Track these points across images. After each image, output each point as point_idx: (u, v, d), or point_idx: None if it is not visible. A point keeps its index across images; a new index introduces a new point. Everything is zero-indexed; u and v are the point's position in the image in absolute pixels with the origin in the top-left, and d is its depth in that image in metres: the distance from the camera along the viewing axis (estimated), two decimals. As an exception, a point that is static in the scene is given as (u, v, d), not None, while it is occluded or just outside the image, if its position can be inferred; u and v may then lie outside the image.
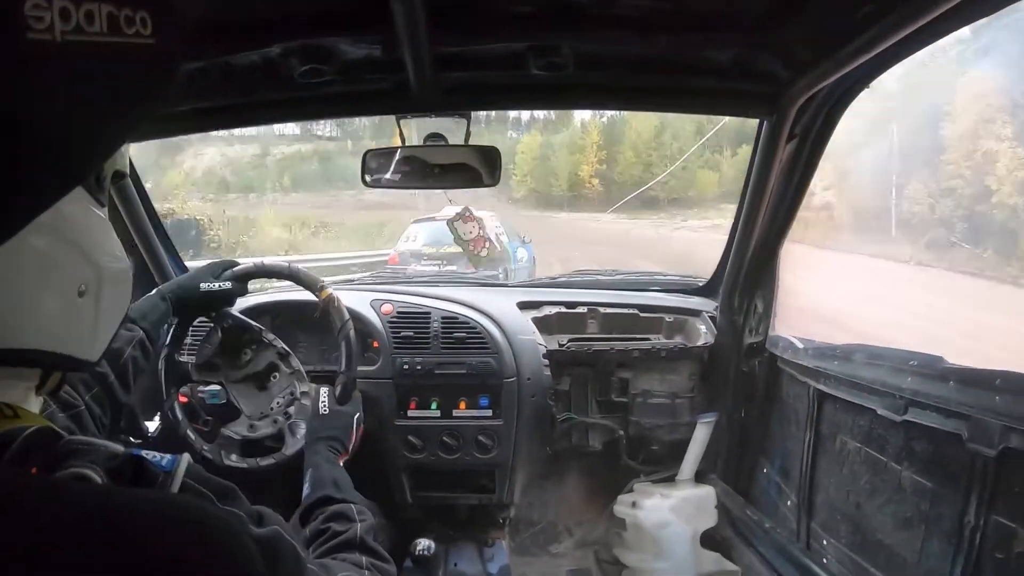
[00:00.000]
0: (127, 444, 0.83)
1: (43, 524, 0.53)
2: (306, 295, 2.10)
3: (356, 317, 2.27)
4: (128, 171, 0.92)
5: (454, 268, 10.58)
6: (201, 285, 1.91)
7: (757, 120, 2.11)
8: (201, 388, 2.09)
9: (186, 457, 0.80)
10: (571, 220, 31.11)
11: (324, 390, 1.91)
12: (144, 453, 0.77)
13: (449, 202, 2.67)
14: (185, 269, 2.77)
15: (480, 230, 2.25)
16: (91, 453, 0.71)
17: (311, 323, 2.32)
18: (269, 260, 2.18)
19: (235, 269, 2.00)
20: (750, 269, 2.44)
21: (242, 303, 2.32)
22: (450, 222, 2.27)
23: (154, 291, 1.87)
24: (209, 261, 2.05)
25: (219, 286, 1.93)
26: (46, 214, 0.71)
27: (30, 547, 0.51)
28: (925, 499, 1.55)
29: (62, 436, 0.74)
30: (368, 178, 2.09)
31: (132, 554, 0.54)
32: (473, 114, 2.05)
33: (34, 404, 0.82)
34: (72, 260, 0.80)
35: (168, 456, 0.79)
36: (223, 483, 0.83)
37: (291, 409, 2.01)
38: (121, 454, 0.75)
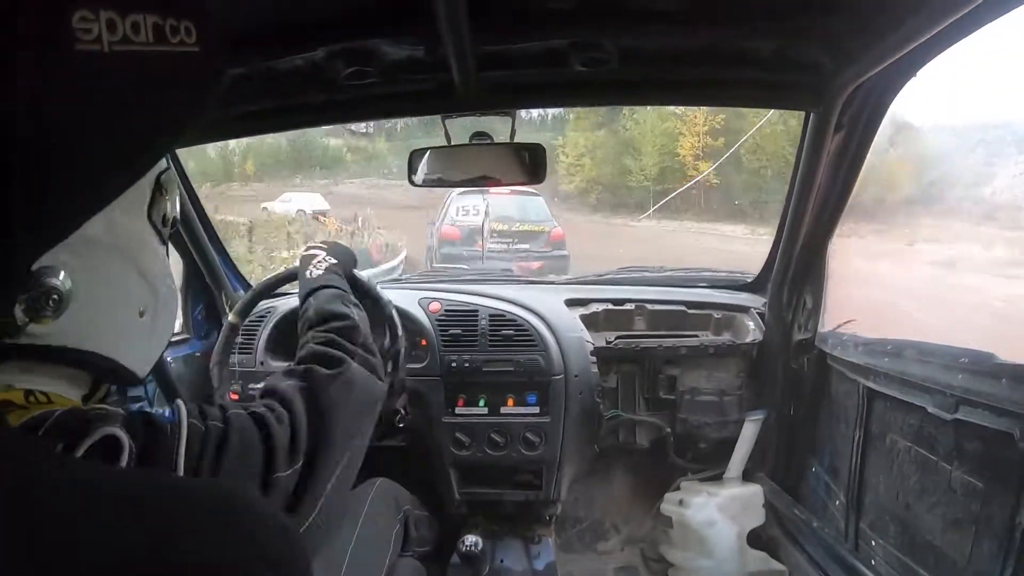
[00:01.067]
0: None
1: (59, 507, 0.54)
2: None
3: (404, 315, 2.30)
4: (177, 216, 1.00)
5: (527, 247, 10.75)
6: None
7: (803, 112, 2.07)
8: (253, 386, 2.15)
9: (182, 406, 0.90)
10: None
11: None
12: (147, 409, 0.85)
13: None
14: (237, 271, 2.83)
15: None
16: (111, 417, 0.79)
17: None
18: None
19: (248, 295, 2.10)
20: (799, 264, 2.41)
21: (288, 304, 2.38)
22: None
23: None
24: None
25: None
26: (121, 242, 0.85)
27: (41, 528, 0.53)
28: (976, 500, 1.51)
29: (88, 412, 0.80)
30: (414, 177, 2.10)
31: (145, 536, 0.56)
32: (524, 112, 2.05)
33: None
34: (138, 284, 0.90)
35: (168, 409, 0.90)
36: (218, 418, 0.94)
37: None
38: (130, 413, 0.83)
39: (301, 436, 1.04)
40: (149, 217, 0.92)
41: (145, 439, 0.81)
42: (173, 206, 0.97)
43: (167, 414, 0.88)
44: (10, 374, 0.79)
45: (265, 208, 22.64)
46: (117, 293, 0.87)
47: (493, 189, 11.12)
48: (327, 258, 1.66)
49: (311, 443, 1.05)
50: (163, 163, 0.94)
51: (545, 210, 12.44)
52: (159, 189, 0.93)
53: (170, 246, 1.03)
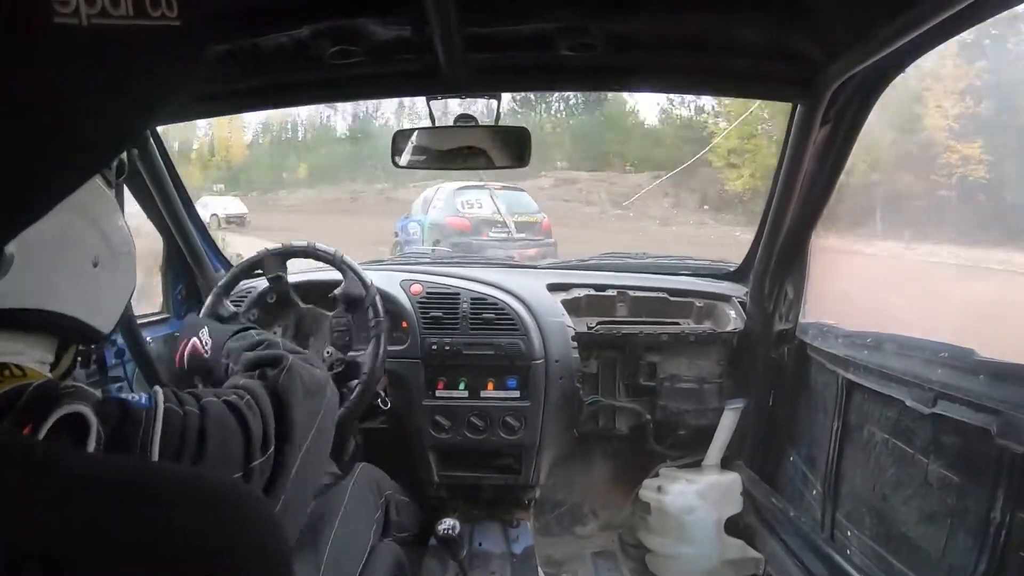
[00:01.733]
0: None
1: (24, 494, 0.54)
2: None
3: (385, 297, 2.29)
4: (128, 167, 0.97)
5: (524, 236, 11.31)
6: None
7: (790, 104, 2.07)
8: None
9: (160, 392, 0.87)
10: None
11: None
12: (123, 395, 0.82)
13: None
14: (218, 252, 2.81)
15: None
16: (82, 394, 0.77)
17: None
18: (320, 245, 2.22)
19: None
20: (781, 255, 2.41)
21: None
22: None
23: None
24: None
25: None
26: None
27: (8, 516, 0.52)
28: (951, 494, 1.53)
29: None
30: (398, 159, 2.09)
31: (111, 523, 0.55)
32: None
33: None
34: (88, 234, 0.87)
35: (144, 395, 0.86)
36: (197, 408, 0.92)
37: None
38: (105, 398, 0.81)
39: (271, 425, 1.04)
40: None
41: (117, 424, 0.79)
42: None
43: (143, 400, 0.85)
44: None
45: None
46: (68, 245, 0.84)
47: (489, 183, 11.76)
48: (200, 336, 1.66)
49: (278, 430, 1.05)
50: None
51: (533, 203, 12.95)
52: None
53: (151, 226, 1.00)
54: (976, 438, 1.43)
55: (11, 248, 0.74)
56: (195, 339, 1.67)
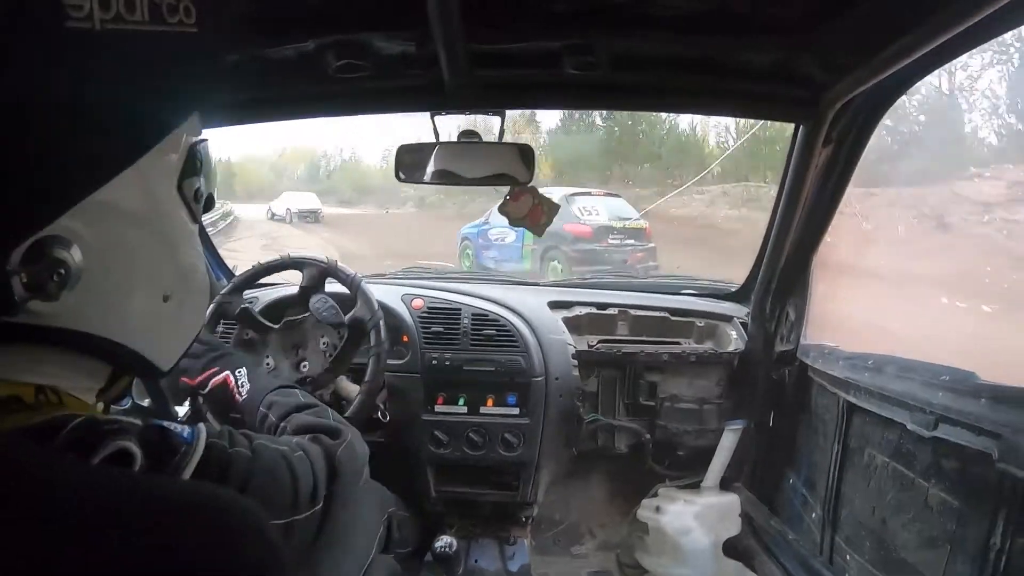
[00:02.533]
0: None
1: (79, 510, 0.54)
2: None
3: (386, 311, 2.28)
4: (212, 194, 0.94)
5: (633, 242, 11.55)
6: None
7: (793, 125, 2.08)
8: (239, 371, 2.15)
9: (204, 430, 0.84)
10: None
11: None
12: (165, 423, 0.80)
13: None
14: (220, 261, 2.81)
15: (534, 199, 2.24)
16: (126, 430, 0.73)
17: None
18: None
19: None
20: (783, 276, 2.41)
21: (270, 292, 2.37)
22: (502, 208, 2.27)
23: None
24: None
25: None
26: (149, 213, 0.78)
27: (66, 531, 0.52)
28: (951, 518, 1.52)
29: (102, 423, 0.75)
30: (402, 174, 2.09)
31: (156, 540, 0.55)
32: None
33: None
34: (164, 263, 0.83)
35: (188, 428, 0.83)
36: (240, 454, 0.89)
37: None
38: (147, 425, 0.77)
39: (321, 486, 1.03)
40: (179, 188, 0.84)
41: (156, 451, 0.76)
42: (208, 182, 0.90)
43: (185, 433, 0.82)
44: (15, 361, 0.73)
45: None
46: (139, 272, 0.79)
47: (593, 190, 12.29)
48: (237, 374, 1.65)
49: (327, 494, 1.05)
50: (197, 132, 0.88)
51: (632, 208, 12.90)
52: (192, 159, 0.86)
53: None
54: (977, 462, 1.42)
55: (79, 259, 0.70)
56: (230, 375, 1.65)
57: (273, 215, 23.60)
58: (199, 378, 1.70)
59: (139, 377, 0.94)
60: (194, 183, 0.87)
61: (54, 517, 0.54)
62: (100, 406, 0.85)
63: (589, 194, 12.05)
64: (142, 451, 0.73)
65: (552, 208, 2.25)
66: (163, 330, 0.85)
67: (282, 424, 1.35)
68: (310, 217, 22.71)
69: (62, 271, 0.68)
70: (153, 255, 0.81)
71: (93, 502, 0.56)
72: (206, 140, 0.89)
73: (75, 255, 0.69)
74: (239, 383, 1.61)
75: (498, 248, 12.42)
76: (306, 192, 26.78)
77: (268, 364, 2.12)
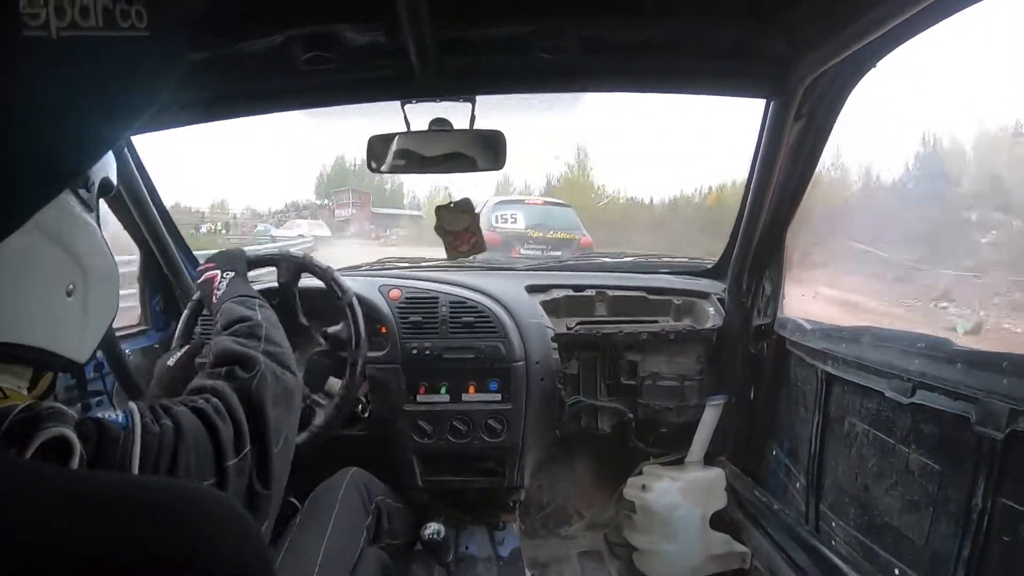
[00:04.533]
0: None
1: (17, 508, 0.53)
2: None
3: (364, 303, 2.27)
4: (116, 183, 0.93)
5: (558, 254, 10.68)
6: (167, 364, 1.79)
7: (764, 100, 2.08)
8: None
9: (136, 410, 0.86)
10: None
11: None
12: (99, 414, 0.81)
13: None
14: (196, 262, 2.78)
15: (470, 224, 2.24)
16: (62, 416, 0.74)
17: (313, 307, 2.29)
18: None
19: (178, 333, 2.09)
20: (758, 251, 2.43)
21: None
22: (439, 208, 2.26)
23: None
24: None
25: (177, 355, 1.87)
26: (40, 216, 0.75)
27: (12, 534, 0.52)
28: (932, 482, 1.54)
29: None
30: (373, 163, 2.08)
31: (99, 536, 0.55)
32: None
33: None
34: (60, 260, 0.82)
35: (121, 412, 0.84)
36: (175, 424, 0.91)
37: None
38: (83, 418, 0.79)
39: (243, 425, 1.03)
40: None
41: (97, 444, 0.78)
42: (101, 166, 0.91)
43: (120, 418, 0.83)
44: None
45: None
46: (36, 274, 0.79)
47: (528, 198, 11.80)
48: (224, 275, 1.70)
49: (253, 430, 1.05)
50: None
51: (575, 219, 12.55)
52: None
53: (128, 236, 0.97)
54: (955, 426, 1.45)
55: None
56: (218, 273, 1.71)
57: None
58: (200, 268, 1.81)
59: (59, 371, 0.93)
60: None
61: None
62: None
63: (522, 202, 11.77)
64: (81, 442, 0.74)
65: (477, 246, 2.27)
66: (71, 325, 0.86)
67: (212, 343, 1.34)
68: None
69: None
70: (48, 254, 0.81)
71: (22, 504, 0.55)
72: None
73: None
74: (219, 284, 1.67)
75: None
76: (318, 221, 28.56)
77: None
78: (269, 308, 1.50)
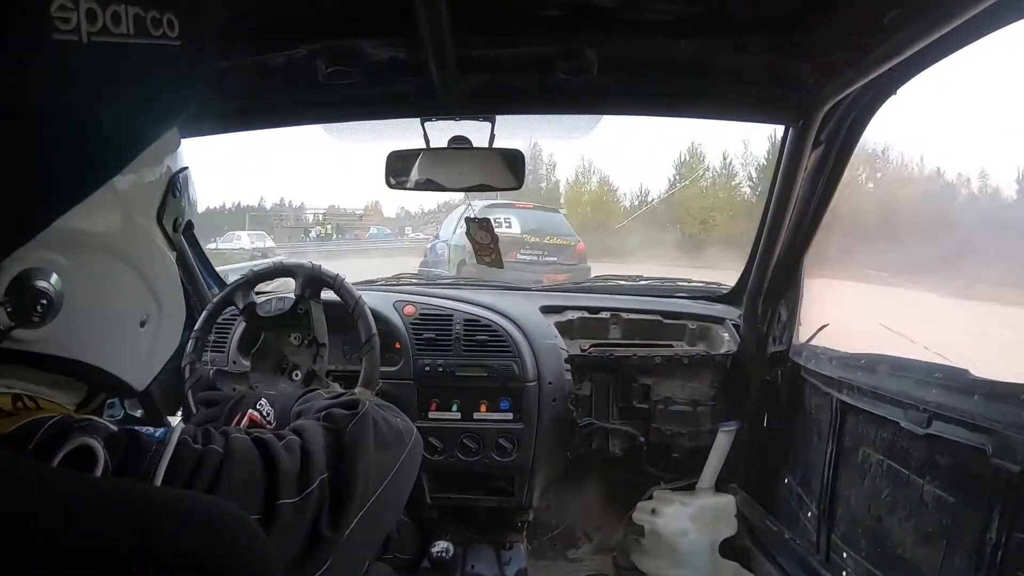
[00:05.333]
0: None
1: (32, 515, 0.53)
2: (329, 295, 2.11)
3: (378, 318, 2.27)
4: (191, 220, 0.95)
5: (554, 259, 10.95)
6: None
7: (783, 127, 2.08)
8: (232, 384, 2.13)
9: (179, 428, 0.83)
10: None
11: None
12: (138, 428, 0.80)
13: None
14: (212, 270, 2.80)
15: (491, 241, 2.27)
16: (94, 427, 0.74)
17: (333, 323, 2.29)
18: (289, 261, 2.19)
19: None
20: (774, 277, 2.42)
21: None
22: (468, 220, 2.28)
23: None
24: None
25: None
26: (126, 243, 0.78)
27: (28, 537, 0.52)
28: (947, 514, 1.52)
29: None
30: (392, 180, 2.09)
31: (99, 542, 0.55)
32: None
33: None
34: (141, 291, 0.85)
35: (161, 428, 0.82)
36: (213, 451, 0.85)
37: None
38: (119, 430, 0.77)
39: (316, 466, 0.97)
40: (159, 219, 0.87)
41: (124, 455, 0.77)
42: (187, 208, 0.92)
43: (157, 433, 0.81)
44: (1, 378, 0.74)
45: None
46: (117, 300, 0.82)
47: (517, 202, 11.50)
48: (261, 407, 1.58)
49: (335, 480, 0.99)
50: (179, 161, 0.89)
51: (567, 225, 12.56)
52: (172, 189, 0.88)
53: None
54: (971, 458, 1.43)
55: (60, 288, 0.72)
56: (253, 412, 1.57)
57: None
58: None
59: (114, 396, 0.94)
60: (174, 212, 0.89)
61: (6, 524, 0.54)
62: None
63: (512, 206, 11.54)
64: (107, 451, 0.73)
65: (496, 263, 2.28)
66: (139, 354, 0.87)
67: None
68: (260, 254, 23.18)
69: (44, 301, 0.70)
70: (130, 283, 0.83)
71: (42, 508, 0.55)
72: (187, 168, 0.91)
73: (56, 284, 0.71)
74: (264, 414, 1.56)
75: (437, 263, 12.00)
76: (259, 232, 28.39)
77: (296, 376, 2.08)
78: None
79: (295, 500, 0.91)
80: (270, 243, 25.44)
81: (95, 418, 0.77)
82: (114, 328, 0.82)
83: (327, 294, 2.11)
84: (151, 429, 0.82)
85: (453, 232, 11.86)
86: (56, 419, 0.73)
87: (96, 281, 0.77)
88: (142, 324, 0.86)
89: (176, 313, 0.94)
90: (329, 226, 33.73)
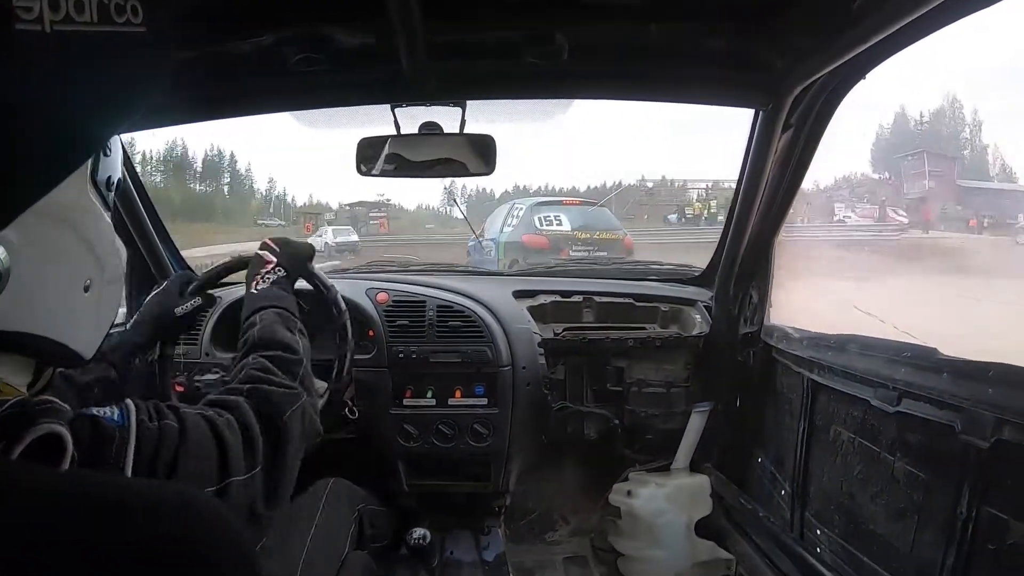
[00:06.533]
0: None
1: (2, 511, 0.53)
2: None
3: (351, 306, 2.26)
4: (121, 178, 0.96)
5: (604, 254, 10.74)
6: (176, 310, 1.81)
7: (752, 110, 2.09)
8: (198, 377, 2.11)
9: (132, 408, 0.86)
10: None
11: None
12: (95, 410, 0.82)
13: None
14: (183, 261, 2.77)
15: None
16: (56, 412, 0.75)
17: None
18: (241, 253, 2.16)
19: (199, 281, 1.94)
20: (745, 259, 2.44)
21: (233, 294, 2.33)
22: None
23: (129, 324, 1.78)
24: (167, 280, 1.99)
25: (192, 304, 1.83)
26: (63, 210, 0.78)
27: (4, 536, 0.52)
28: (918, 490, 1.55)
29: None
30: (363, 167, 2.07)
31: (82, 540, 0.54)
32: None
33: None
34: (83, 255, 0.84)
35: (116, 409, 0.85)
36: (170, 423, 0.90)
37: None
38: (77, 414, 0.79)
39: (257, 447, 1.02)
40: (93, 181, 0.87)
41: (90, 443, 0.77)
42: (117, 168, 0.93)
43: (116, 416, 0.83)
44: None
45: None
46: (61, 267, 0.82)
47: (565, 199, 11.94)
48: (276, 269, 1.57)
49: (267, 452, 1.04)
50: None
51: (614, 219, 12.60)
52: (103, 150, 0.88)
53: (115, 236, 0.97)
54: (940, 435, 1.46)
55: (6, 261, 0.72)
56: (273, 260, 1.58)
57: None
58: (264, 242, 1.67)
59: (61, 367, 0.94)
60: (106, 171, 0.90)
61: None
62: None
63: (560, 203, 11.69)
64: (73, 440, 0.73)
65: None
66: (84, 320, 0.88)
67: (243, 362, 1.27)
68: (349, 248, 23.41)
69: None
70: (73, 248, 0.83)
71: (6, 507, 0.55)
72: None
73: (3, 259, 0.72)
74: (266, 275, 1.55)
75: (483, 263, 11.71)
76: (345, 227, 29.42)
77: None
78: (307, 337, 1.44)
79: (243, 478, 0.96)
80: (354, 237, 26.14)
81: (55, 401, 0.78)
82: (60, 296, 0.82)
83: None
84: (107, 411, 0.84)
85: (500, 230, 11.85)
86: (13, 401, 0.74)
87: (40, 249, 0.77)
88: (86, 289, 0.86)
89: (117, 277, 0.94)
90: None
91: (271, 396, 1.13)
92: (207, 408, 1.02)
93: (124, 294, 0.97)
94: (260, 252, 1.62)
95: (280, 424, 1.10)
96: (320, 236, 25.31)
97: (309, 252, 1.75)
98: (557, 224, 11.53)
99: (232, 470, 0.95)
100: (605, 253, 11.02)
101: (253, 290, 1.52)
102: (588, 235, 11.44)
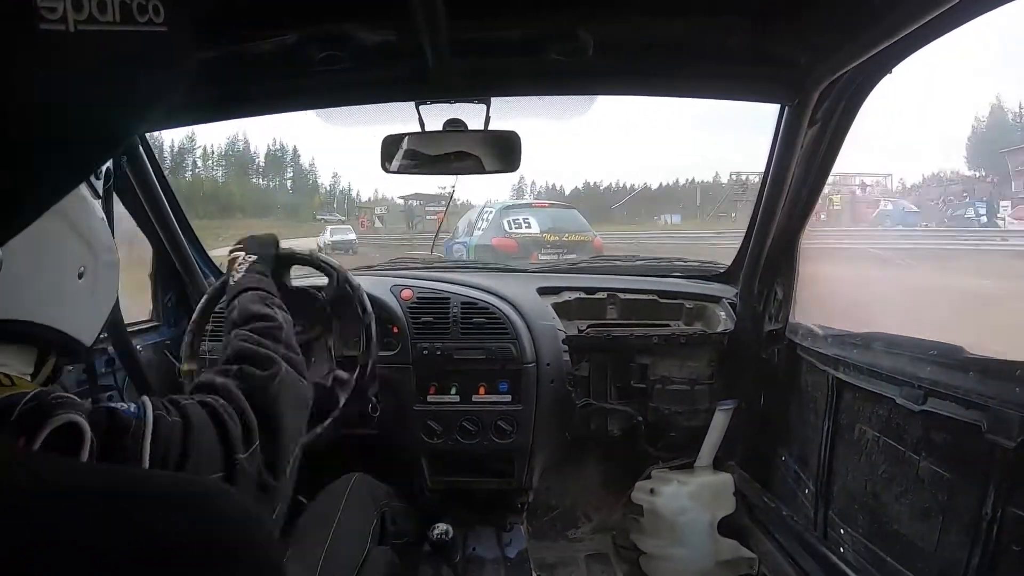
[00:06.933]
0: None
1: (23, 504, 0.54)
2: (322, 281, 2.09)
3: (376, 303, 2.26)
4: (115, 174, 0.98)
5: (573, 257, 10.64)
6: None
7: (778, 106, 2.08)
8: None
9: (149, 402, 0.87)
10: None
11: None
12: (113, 404, 0.82)
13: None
14: (208, 260, 2.79)
15: None
16: (73, 404, 0.76)
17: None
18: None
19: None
20: (770, 256, 2.43)
21: None
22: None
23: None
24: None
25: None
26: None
27: (24, 531, 0.52)
28: (943, 490, 1.54)
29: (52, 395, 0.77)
30: (388, 164, 2.08)
31: (105, 533, 0.55)
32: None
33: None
34: (74, 243, 0.87)
35: (133, 404, 0.86)
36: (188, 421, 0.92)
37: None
38: (95, 407, 0.81)
39: (252, 424, 1.04)
40: None
41: (108, 433, 0.79)
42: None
43: (132, 409, 0.85)
44: None
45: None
46: (53, 255, 0.84)
47: (535, 201, 11.67)
48: (247, 258, 1.68)
49: (264, 429, 1.06)
50: None
51: (583, 221, 12.49)
52: None
53: (142, 235, 0.99)
54: (966, 434, 1.44)
55: (0, 253, 0.73)
56: (240, 254, 1.70)
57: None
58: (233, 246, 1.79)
59: (62, 355, 0.95)
60: None
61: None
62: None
63: (529, 206, 11.68)
64: (92, 430, 0.75)
65: None
66: (81, 306, 0.90)
67: (226, 340, 1.33)
68: (342, 247, 23.64)
69: None
70: (63, 237, 0.85)
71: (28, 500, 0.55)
72: None
73: None
74: (239, 266, 1.66)
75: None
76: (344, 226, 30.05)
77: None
78: (285, 309, 1.49)
79: (246, 455, 0.98)
80: (351, 236, 26.38)
81: (70, 395, 0.79)
82: (54, 283, 0.84)
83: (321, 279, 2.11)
84: (123, 404, 0.85)
85: (471, 233, 11.86)
86: (33, 393, 0.75)
87: (32, 238, 0.79)
88: (80, 275, 0.88)
89: (111, 261, 0.96)
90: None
91: (254, 374, 1.16)
92: (201, 395, 1.04)
93: (118, 279, 0.98)
94: (231, 254, 1.75)
95: (268, 398, 1.12)
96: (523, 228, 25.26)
97: (272, 238, 1.85)
98: (526, 227, 11.48)
99: (235, 449, 0.97)
100: (574, 255, 10.75)
101: (231, 282, 1.61)
102: (557, 237, 11.36)
